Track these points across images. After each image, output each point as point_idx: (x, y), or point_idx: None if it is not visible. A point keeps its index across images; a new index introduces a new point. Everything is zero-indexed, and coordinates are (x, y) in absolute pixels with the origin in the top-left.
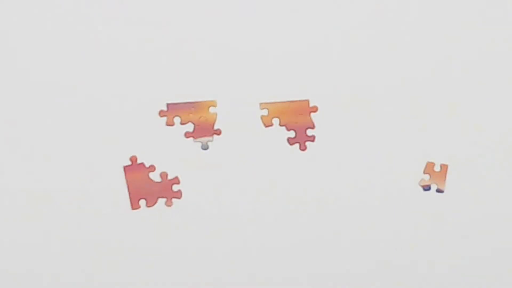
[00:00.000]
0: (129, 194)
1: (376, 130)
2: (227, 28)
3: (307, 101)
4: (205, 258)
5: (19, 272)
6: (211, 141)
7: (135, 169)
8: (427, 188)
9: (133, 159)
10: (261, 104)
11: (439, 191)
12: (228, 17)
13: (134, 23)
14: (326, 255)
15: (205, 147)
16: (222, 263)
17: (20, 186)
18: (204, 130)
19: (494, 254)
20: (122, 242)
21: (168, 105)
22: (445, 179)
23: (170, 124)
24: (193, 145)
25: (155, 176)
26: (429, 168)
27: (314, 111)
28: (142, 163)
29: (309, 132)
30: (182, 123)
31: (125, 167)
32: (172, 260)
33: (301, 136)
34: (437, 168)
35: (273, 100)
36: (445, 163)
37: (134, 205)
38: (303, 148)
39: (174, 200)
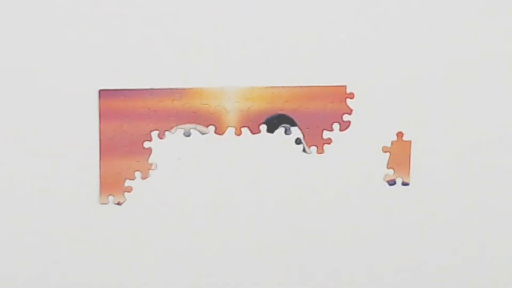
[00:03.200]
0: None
1: (375, 129)
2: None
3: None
4: (198, 255)
5: None
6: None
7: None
8: (392, 182)
9: None
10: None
11: (404, 184)
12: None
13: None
14: (317, 252)
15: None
16: (217, 261)
17: None
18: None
19: (493, 254)
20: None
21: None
22: (409, 172)
23: None
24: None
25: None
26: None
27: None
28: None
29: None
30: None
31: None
32: (164, 255)
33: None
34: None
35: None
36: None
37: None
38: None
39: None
